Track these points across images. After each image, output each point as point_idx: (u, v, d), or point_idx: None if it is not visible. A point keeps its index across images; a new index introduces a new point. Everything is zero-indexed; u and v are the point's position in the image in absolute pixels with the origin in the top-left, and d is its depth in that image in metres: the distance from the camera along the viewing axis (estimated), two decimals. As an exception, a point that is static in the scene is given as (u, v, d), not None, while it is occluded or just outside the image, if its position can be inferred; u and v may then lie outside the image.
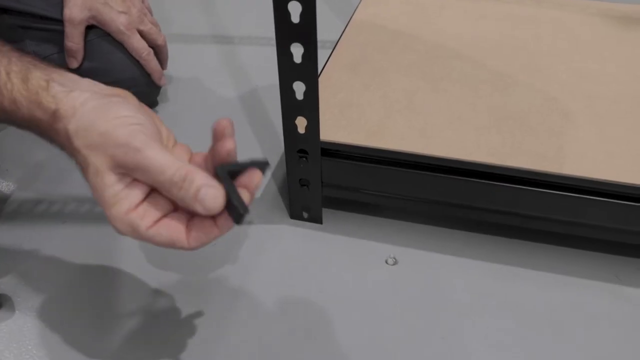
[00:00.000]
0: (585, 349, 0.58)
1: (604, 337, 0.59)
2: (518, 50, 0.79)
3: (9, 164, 0.81)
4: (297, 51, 0.56)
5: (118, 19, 0.80)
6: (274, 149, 0.84)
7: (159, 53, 0.87)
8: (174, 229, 0.44)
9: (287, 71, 0.57)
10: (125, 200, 0.44)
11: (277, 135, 0.86)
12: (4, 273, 0.65)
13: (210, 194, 0.42)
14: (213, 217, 0.44)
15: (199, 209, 0.42)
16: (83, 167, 0.45)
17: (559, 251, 0.67)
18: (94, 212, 0.73)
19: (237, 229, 0.70)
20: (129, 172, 0.44)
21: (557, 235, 0.67)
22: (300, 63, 0.56)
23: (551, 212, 0.62)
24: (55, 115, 0.45)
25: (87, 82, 0.48)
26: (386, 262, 0.67)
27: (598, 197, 0.60)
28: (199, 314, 0.61)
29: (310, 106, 0.59)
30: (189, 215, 0.45)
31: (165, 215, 0.45)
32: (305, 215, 0.71)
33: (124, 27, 0.81)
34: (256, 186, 0.45)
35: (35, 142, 0.85)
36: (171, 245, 0.45)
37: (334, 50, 0.79)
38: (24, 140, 0.86)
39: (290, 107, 0.60)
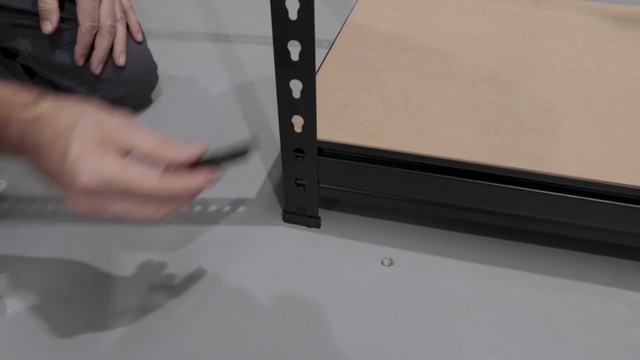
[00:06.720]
0: (582, 352, 0.57)
1: (602, 340, 0.58)
2: (515, 50, 0.78)
3: (3, 161, 0.80)
4: (294, 49, 0.55)
5: None
6: (270, 149, 0.83)
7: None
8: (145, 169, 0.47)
9: (284, 69, 0.56)
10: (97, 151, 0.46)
11: (273, 135, 0.86)
12: (-5, 272, 0.65)
13: None
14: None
15: None
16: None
17: (556, 253, 0.67)
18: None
19: (232, 229, 0.70)
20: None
21: (555, 237, 0.66)
22: (298, 61, 0.55)
23: (550, 213, 0.62)
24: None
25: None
26: (382, 262, 0.66)
27: (598, 198, 0.59)
28: (193, 314, 0.60)
29: (307, 105, 0.59)
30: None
31: None
32: (301, 215, 0.70)
33: None
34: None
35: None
36: (142, 180, 0.45)
37: (330, 50, 0.79)
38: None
39: (286, 106, 0.60)
